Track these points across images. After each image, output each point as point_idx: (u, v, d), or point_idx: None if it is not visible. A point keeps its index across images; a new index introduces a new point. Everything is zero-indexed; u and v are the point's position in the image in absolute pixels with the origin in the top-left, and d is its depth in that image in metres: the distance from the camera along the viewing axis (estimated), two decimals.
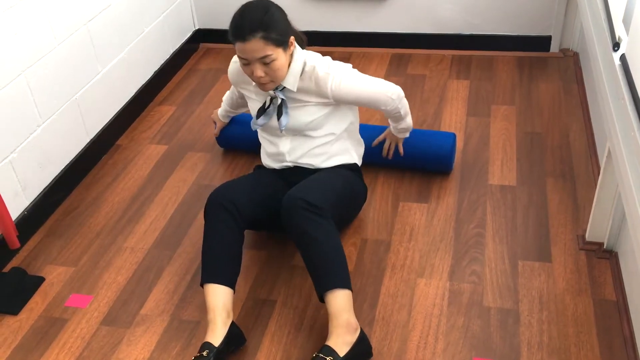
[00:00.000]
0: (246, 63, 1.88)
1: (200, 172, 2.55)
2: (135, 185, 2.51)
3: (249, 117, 2.62)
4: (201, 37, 3.55)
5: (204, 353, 1.69)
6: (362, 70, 3.13)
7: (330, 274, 1.77)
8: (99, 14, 2.64)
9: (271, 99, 2.02)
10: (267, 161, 2.17)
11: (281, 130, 2.02)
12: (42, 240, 2.28)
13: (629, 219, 1.54)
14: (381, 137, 2.34)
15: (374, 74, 3.11)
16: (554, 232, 2.11)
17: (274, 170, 2.13)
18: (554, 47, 3.16)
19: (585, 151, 2.46)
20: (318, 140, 2.06)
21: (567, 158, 2.44)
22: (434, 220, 2.21)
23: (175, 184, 2.50)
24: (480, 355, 1.74)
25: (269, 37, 1.82)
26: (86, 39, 2.57)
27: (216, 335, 1.73)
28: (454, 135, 2.37)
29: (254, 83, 1.99)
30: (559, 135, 2.57)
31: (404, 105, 2.13)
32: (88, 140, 2.63)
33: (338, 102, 2.02)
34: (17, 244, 2.19)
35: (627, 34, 1.81)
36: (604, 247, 2.01)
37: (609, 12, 2.06)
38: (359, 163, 2.18)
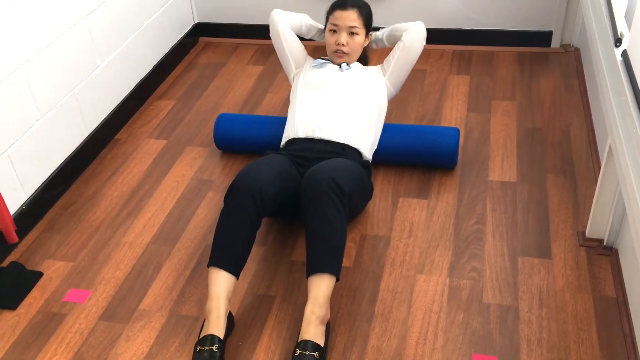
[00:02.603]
0: (334, 30, 2.29)
1: (200, 167, 2.54)
2: (134, 180, 2.51)
3: (249, 117, 2.61)
4: (200, 31, 3.54)
5: (214, 348, 1.70)
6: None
7: (329, 259, 1.80)
8: (98, 8, 2.63)
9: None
10: (293, 131, 2.22)
11: (340, 66, 2.30)
12: (41, 235, 2.28)
13: (630, 215, 1.53)
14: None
15: None
16: (554, 229, 2.11)
17: (290, 156, 2.14)
18: (555, 43, 3.15)
19: (586, 147, 2.45)
20: (352, 112, 2.21)
21: (567, 154, 2.43)
22: (434, 216, 2.20)
23: (175, 179, 2.49)
24: (480, 352, 1.73)
25: (362, 14, 2.29)
26: (85, 32, 2.56)
27: (219, 326, 1.75)
28: (457, 131, 2.38)
29: (324, 59, 2.35)
30: (560, 131, 2.56)
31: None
32: (87, 134, 2.62)
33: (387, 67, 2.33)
34: (16, 239, 2.19)
35: (629, 29, 1.80)
36: (604, 243, 2.01)
37: (610, 7, 2.05)
38: (370, 160, 2.27)
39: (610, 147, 1.83)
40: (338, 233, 1.83)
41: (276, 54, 2.50)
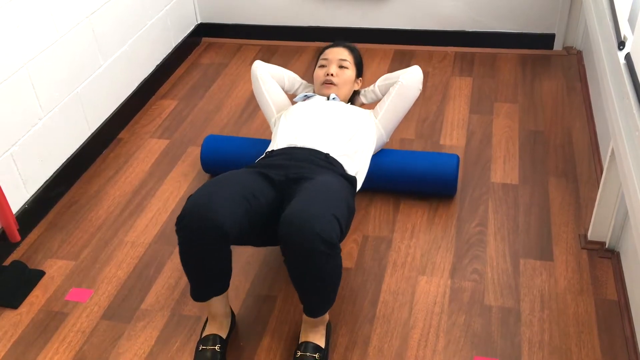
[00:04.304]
0: (324, 65, 2.23)
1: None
2: (136, 180, 2.51)
3: (234, 140, 2.45)
4: (203, 32, 3.54)
5: (216, 347, 1.71)
6: (365, 66, 3.12)
7: (324, 306, 1.69)
8: (101, 7, 2.63)
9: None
10: (282, 140, 2.01)
11: (328, 98, 2.17)
12: (43, 234, 2.28)
13: (632, 218, 1.53)
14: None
15: (377, 70, 3.11)
16: (556, 231, 2.11)
17: (266, 175, 1.82)
18: (558, 45, 3.15)
19: (588, 150, 2.46)
20: (344, 139, 2.01)
21: (569, 157, 2.43)
22: (436, 218, 2.20)
23: (177, 179, 2.49)
24: (481, 354, 1.73)
25: (353, 54, 2.27)
26: (88, 32, 2.56)
27: (221, 326, 1.76)
28: (456, 162, 2.22)
29: (309, 93, 2.24)
30: (562, 133, 2.56)
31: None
32: (89, 133, 2.62)
33: (376, 114, 2.19)
34: (18, 238, 2.19)
35: (633, 32, 1.80)
36: (606, 246, 2.01)
37: (614, 10, 2.05)
38: (359, 185, 2.01)
39: (612, 150, 1.83)
40: (331, 283, 1.64)
41: (275, 70, 2.34)
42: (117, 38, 2.77)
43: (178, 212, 2.29)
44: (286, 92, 2.34)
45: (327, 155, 1.94)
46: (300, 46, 3.38)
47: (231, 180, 1.72)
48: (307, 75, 3.08)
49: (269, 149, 2.06)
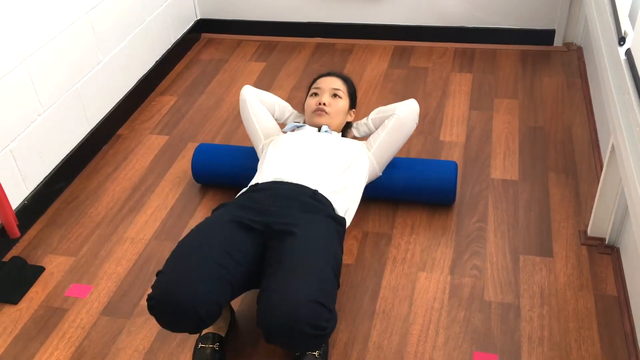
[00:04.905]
0: (316, 94, 2.16)
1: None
2: (136, 176, 2.51)
3: (227, 148, 2.42)
4: (203, 27, 3.53)
5: (215, 345, 1.71)
6: (365, 62, 3.13)
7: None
8: (101, 3, 2.62)
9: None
10: (268, 173, 1.91)
11: (319, 129, 2.08)
12: (43, 230, 2.28)
13: (632, 214, 1.53)
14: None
15: (377, 66, 3.11)
16: (556, 227, 2.11)
17: (245, 225, 1.69)
18: (558, 41, 3.15)
19: (588, 146, 2.45)
20: (334, 174, 1.92)
21: (569, 153, 2.43)
22: (436, 214, 2.20)
23: (176, 175, 2.49)
24: (481, 349, 1.73)
25: (347, 84, 2.21)
26: (88, 28, 2.56)
27: (220, 324, 1.77)
28: (455, 166, 2.19)
29: (299, 123, 2.17)
30: (562, 129, 2.56)
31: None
32: (89, 129, 2.62)
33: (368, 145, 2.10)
34: (17, 234, 2.19)
35: (633, 28, 1.79)
36: (606, 242, 2.01)
37: (614, 6, 2.04)
38: (349, 220, 1.92)
39: (612, 146, 1.83)
40: (324, 343, 1.64)
41: (265, 96, 2.26)
42: (117, 34, 2.76)
43: (177, 209, 2.32)
44: (276, 121, 2.24)
45: (315, 192, 1.82)
46: (300, 42, 3.37)
47: (204, 246, 1.61)
48: (306, 72, 3.08)
49: (254, 181, 1.94)
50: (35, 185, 2.32)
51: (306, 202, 1.78)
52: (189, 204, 2.34)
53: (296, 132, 2.08)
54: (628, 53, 1.75)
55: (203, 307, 1.51)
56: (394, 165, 2.18)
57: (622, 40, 1.84)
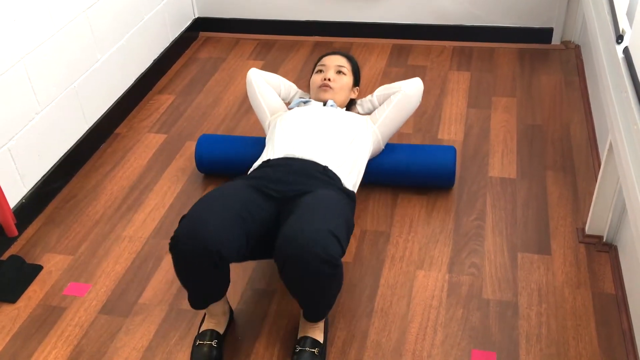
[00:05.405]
0: (321, 71, 2.22)
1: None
2: (134, 174, 2.50)
3: (229, 139, 2.43)
4: (201, 26, 3.53)
5: (213, 342, 1.72)
6: (363, 60, 3.13)
7: (323, 312, 1.71)
8: (99, 1, 2.62)
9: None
10: (269, 154, 1.98)
11: (325, 103, 2.15)
12: (41, 229, 2.28)
13: (630, 212, 1.53)
14: None
15: (375, 64, 3.11)
16: (554, 225, 2.11)
17: (263, 191, 1.77)
18: (556, 39, 3.15)
19: (586, 144, 2.46)
20: (342, 147, 1.98)
21: (567, 151, 2.43)
22: (434, 212, 2.20)
23: (175, 173, 2.49)
24: (479, 347, 1.74)
25: (351, 62, 2.28)
26: (85, 26, 2.55)
27: (219, 321, 1.78)
28: (454, 150, 2.24)
29: (305, 98, 2.24)
30: (560, 127, 2.56)
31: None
32: (87, 128, 2.62)
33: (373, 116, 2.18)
34: (15, 232, 2.19)
35: (631, 26, 1.80)
36: (604, 240, 2.01)
37: (612, 4, 2.04)
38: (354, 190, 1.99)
39: (610, 144, 1.83)
40: (332, 294, 1.66)
41: (271, 77, 2.33)
42: (114, 32, 2.76)
43: (176, 207, 2.32)
44: (282, 100, 2.32)
45: (325, 167, 1.88)
46: (298, 40, 3.37)
47: (226, 198, 1.68)
48: (304, 71, 3.08)
49: (265, 156, 1.99)
50: (33, 184, 2.32)
51: (318, 177, 1.85)
52: (187, 203, 2.33)
53: (302, 107, 2.14)
54: (626, 51, 1.76)
55: (225, 248, 1.55)
56: (394, 150, 2.26)
57: (619, 38, 1.84)
